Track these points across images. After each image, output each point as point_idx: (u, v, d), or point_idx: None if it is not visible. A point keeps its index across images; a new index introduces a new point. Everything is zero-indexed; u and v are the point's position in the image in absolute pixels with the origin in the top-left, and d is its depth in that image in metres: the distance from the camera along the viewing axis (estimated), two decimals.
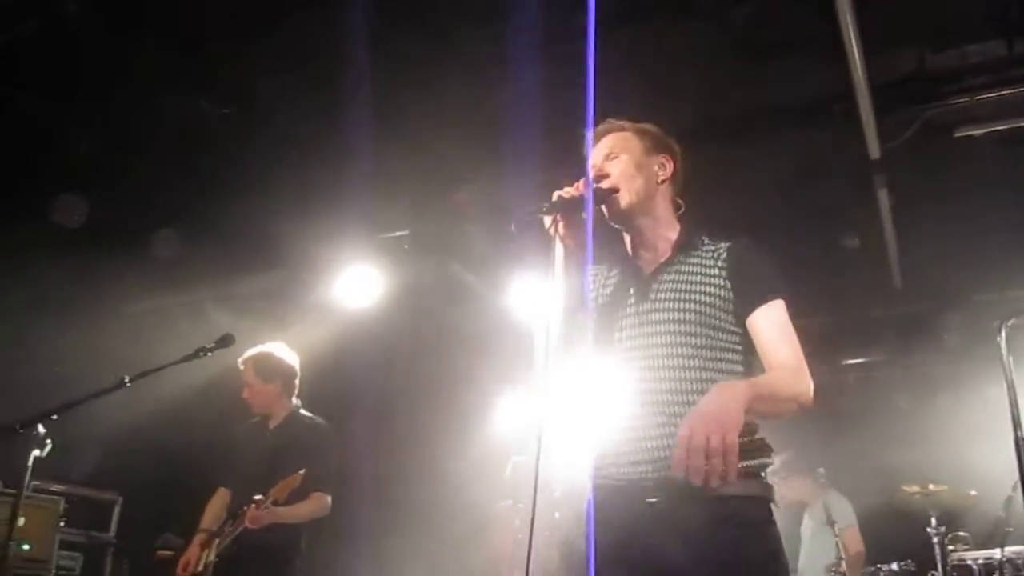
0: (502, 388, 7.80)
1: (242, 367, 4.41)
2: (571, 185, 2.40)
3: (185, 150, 5.18)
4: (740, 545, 2.17)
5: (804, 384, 2.24)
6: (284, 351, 4.53)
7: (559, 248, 2.40)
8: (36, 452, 3.14)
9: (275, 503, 4.02)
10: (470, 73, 4.43)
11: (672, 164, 2.55)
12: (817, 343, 7.33)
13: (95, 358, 4.97)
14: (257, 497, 3.98)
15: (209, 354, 3.97)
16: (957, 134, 4.65)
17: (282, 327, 6.38)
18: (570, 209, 2.34)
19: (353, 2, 3.97)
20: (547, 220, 2.36)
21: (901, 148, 4.71)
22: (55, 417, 3.15)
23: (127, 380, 3.35)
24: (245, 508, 4.05)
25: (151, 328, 5.73)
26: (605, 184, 2.43)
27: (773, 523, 2.26)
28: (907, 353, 7.35)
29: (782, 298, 2.35)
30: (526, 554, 5.77)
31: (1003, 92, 4.41)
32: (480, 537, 6.49)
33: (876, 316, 7.11)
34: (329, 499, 4.39)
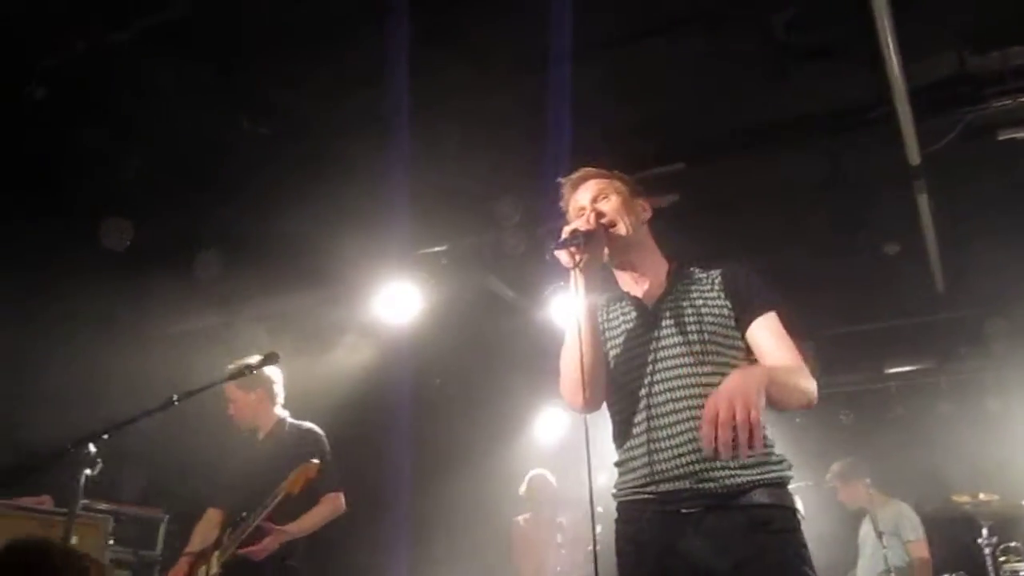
0: (541, 402, 7.81)
1: (222, 384, 4.24)
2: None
3: (226, 171, 5.25)
4: (773, 548, 2.27)
5: (812, 382, 2.37)
6: (258, 360, 4.46)
7: (579, 279, 2.48)
8: (87, 471, 3.17)
9: (288, 496, 4.01)
10: (505, 85, 4.46)
11: (648, 210, 2.71)
12: (860, 351, 7.33)
13: (141, 378, 5.04)
14: (264, 519, 3.98)
15: (255, 372, 4.01)
16: (1000, 137, 4.58)
17: (323, 344, 6.44)
18: (586, 242, 2.45)
19: (392, 22, 4.02)
20: (563, 256, 2.46)
21: (942, 152, 4.65)
22: (106, 436, 3.18)
23: (175, 399, 3.37)
24: (244, 515, 4.05)
25: (196, 348, 5.80)
26: (603, 221, 2.56)
27: (801, 531, 2.37)
28: (952, 360, 7.25)
29: (775, 309, 2.49)
30: (567, 566, 5.81)
31: None
32: (503, 548, 6.52)
33: (920, 323, 7.02)
34: (342, 497, 4.35)
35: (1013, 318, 6.58)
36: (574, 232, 2.45)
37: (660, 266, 2.66)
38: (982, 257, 5.89)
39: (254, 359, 4.30)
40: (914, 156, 4.67)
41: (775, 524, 2.30)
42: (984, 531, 4.96)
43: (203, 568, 4.19)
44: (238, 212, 5.56)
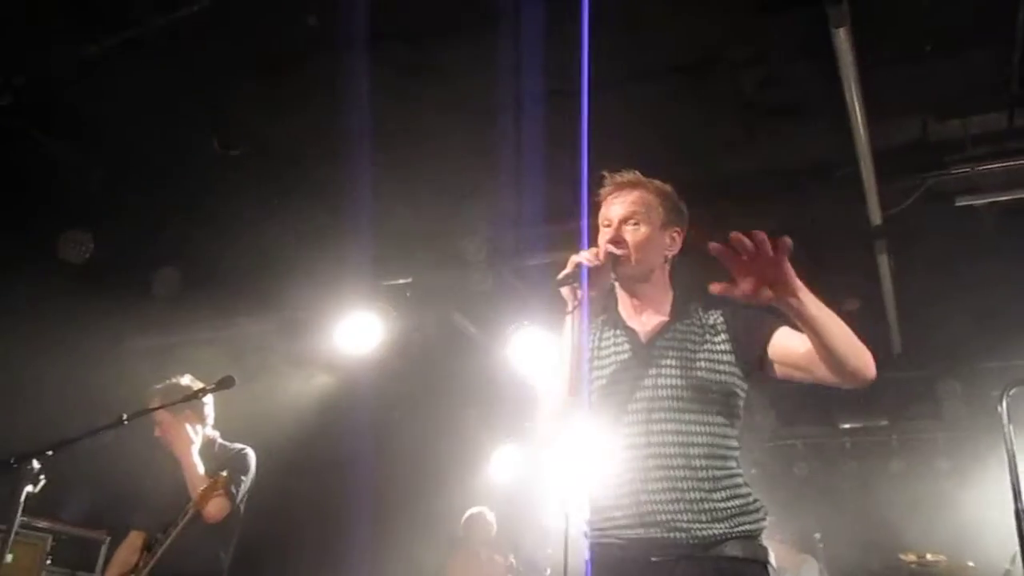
0: (497, 439, 7.79)
1: (149, 404, 4.06)
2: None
3: (191, 189, 5.22)
4: None
5: (867, 353, 2.21)
6: (189, 380, 4.26)
7: (576, 313, 2.38)
8: (29, 487, 3.10)
9: (197, 513, 3.91)
10: (475, 122, 4.49)
11: (681, 238, 2.57)
12: (817, 405, 7.40)
13: (92, 395, 4.95)
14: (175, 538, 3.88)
15: (208, 396, 3.94)
16: (958, 203, 4.69)
17: (281, 370, 6.38)
18: (593, 277, 2.34)
19: (359, 51, 4.04)
20: (567, 291, 2.35)
21: (903, 215, 4.75)
22: (51, 453, 3.11)
23: (125, 418, 3.31)
24: (159, 536, 3.95)
25: (150, 366, 5.71)
26: (618, 251, 2.43)
27: None
28: (906, 419, 7.32)
29: (782, 325, 2.37)
30: None
31: (1004, 163, 4.47)
32: None
33: (875, 381, 7.08)
34: (226, 510, 4.07)
35: (965, 380, 6.69)
36: (580, 267, 2.32)
37: (664, 299, 2.54)
38: (939, 319, 5.99)
39: (185, 379, 4.23)
40: (876, 216, 4.76)
41: None
42: None
43: None
44: (201, 232, 5.52)
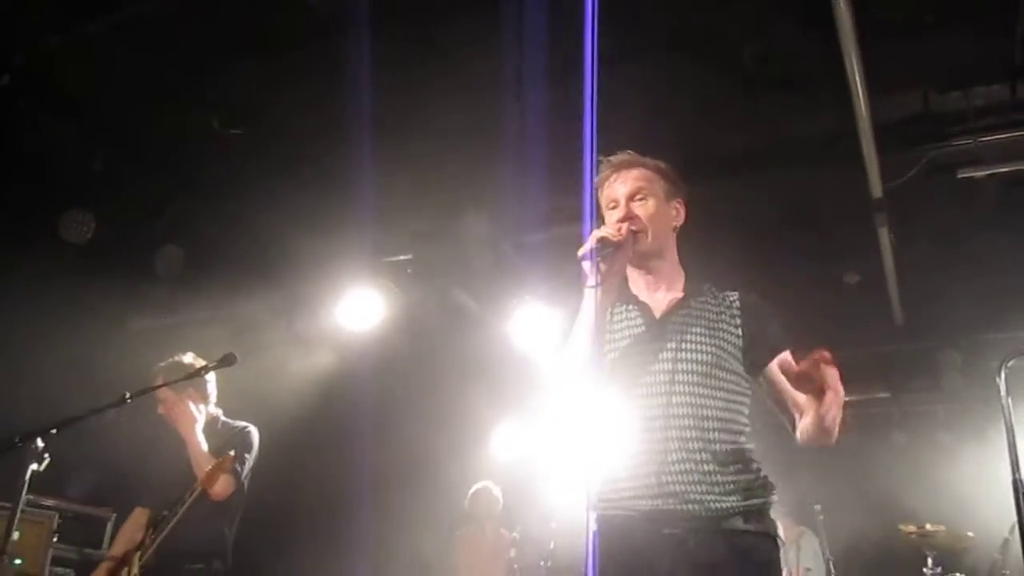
0: (498, 415, 7.81)
1: (153, 382, 4.03)
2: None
3: (192, 168, 5.21)
4: None
5: (836, 429, 2.35)
6: (192, 358, 4.25)
7: (597, 288, 2.34)
8: (34, 466, 3.11)
9: (203, 491, 3.94)
10: (474, 98, 4.47)
11: (684, 209, 2.59)
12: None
13: (95, 375, 4.97)
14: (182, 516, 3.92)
15: (210, 374, 3.96)
16: (960, 175, 4.68)
17: (283, 348, 6.40)
18: (613, 252, 2.33)
19: (360, 28, 4.02)
20: (589, 266, 2.33)
21: (903, 187, 4.74)
22: (55, 431, 3.12)
23: (128, 397, 3.32)
24: (165, 513, 3.98)
25: (153, 346, 5.73)
26: (635, 226, 2.44)
27: (779, 561, 2.36)
28: (906, 391, 7.34)
29: (790, 349, 2.46)
30: None
31: (1006, 135, 4.46)
32: (446, 560, 6.49)
33: (876, 353, 7.11)
34: (231, 487, 4.10)
35: (966, 352, 6.70)
36: (603, 241, 2.30)
37: (676, 276, 2.55)
38: (939, 291, 6.00)
39: (188, 357, 4.24)
40: (876, 189, 4.75)
41: (757, 554, 2.28)
42: (929, 560, 5.02)
43: (124, 571, 4.10)
44: (203, 210, 5.51)
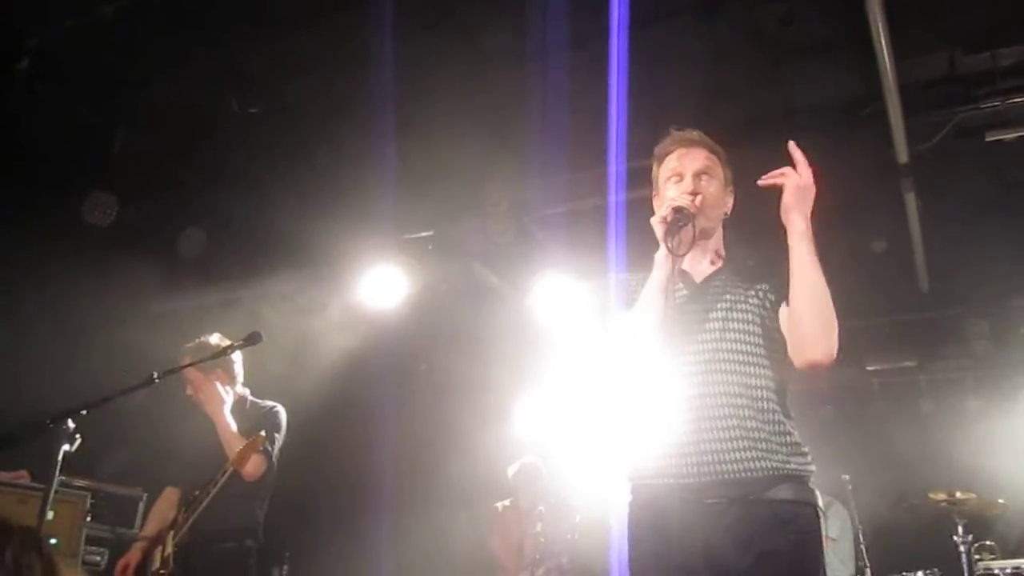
0: (522, 389, 7.82)
1: (180, 363, 4.05)
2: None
3: (213, 149, 5.21)
4: (795, 549, 2.23)
5: (834, 333, 2.30)
6: (219, 339, 4.26)
7: (667, 256, 2.38)
8: (65, 447, 3.14)
9: (236, 472, 3.97)
10: (495, 73, 4.44)
11: (732, 199, 2.62)
12: (842, 347, 7.34)
13: (122, 356, 5.01)
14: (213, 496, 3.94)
15: (236, 352, 3.97)
16: (988, 138, 4.60)
17: (307, 327, 6.42)
18: (687, 223, 2.36)
19: (380, 5, 3.99)
20: (660, 231, 2.36)
21: (930, 151, 4.67)
22: (85, 412, 3.15)
23: (156, 376, 3.34)
24: (197, 493, 4.02)
25: (179, 327, 5.76)
26: (699, 202, 2.45)
27: (820, 530, 2.34)
28: (934, 359, 7.28)
29: None
30: (545, 553, 5.81)
31: None
32: (481, 535, 6.52)
33: (902, 321, 7.05)
34: (263, 467, 4.14)
35: (995, 319, 6.62)
36: (681, 212, 2.35)
37: (719, 254, 2.60)
38: (966, 257, 5.92)
39: (214, 337, 4.26)
40: (903, 154, 4.68)
41: (799, 523, 2.26)
42: (960, 528, 4.99)
43: (159, 550, 4.15)
44: (224, 191, 5.52)
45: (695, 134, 2.58)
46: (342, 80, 4.59)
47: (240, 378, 4.46)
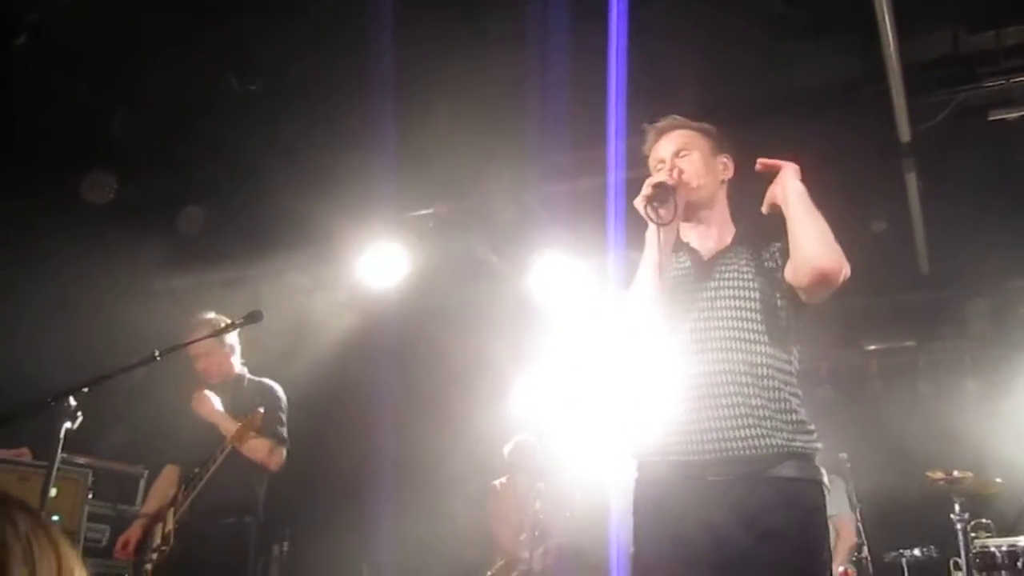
0: (522, 367, 7.83)
1: (196, 334, 3.95)
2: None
3: (212, 127, 5.19)
4: (804, 527, 2.25)
5: (837, 251, 2.35)
6: (214, 316, 4.25)
7: (658, 233, 2.44)
8: (67, 424, 3.15)
9: (235, 449, 4.01)
10: (496, 50, 4.41)
11: (731, 164, 2.67)
12: (841, 327, 7.37)
13: (124, 334, 5.01)
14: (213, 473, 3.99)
15: (237, 330, 3.98)
16: (991, 117, 4.58)
17: (307, 305, 6.42)
18: (667, 196, 2.41)
19: None
20: (641, 208, 2.42)
21: (932, 131, 4.65)
22: (86, 390, 3.15)
23: (157, 354, 3.34)
24: (197, 471, 4.05)
25: (179, 305, 5.77)
26: (677, 175, 2.51)
27: (826, 508, 2.34)
28: (933, 339, 7.29)
29: None
30: (544, 530, 5.84)
31: None
32: (479, 513, 6.54)
33: (902, 301, 7.05)
34: (282, 453, 4.27)
35: (994, 299, 6.62)
36: (661, 186, 2.40)
37: (727, 227, 2.63)
38: (967, 238, 5.91)
39: (210, 315, 4.26)
40: (905, 133, 4.66)
41: (804, 500, 2.27)
42: (957, 507, 5.01)
43: (159, 527, 4.18)
44: (223, 169, 5.50)
45: (668, 120, 2.66)
46: (342, 58, 4.56)
47: (238, 356, 4.48)
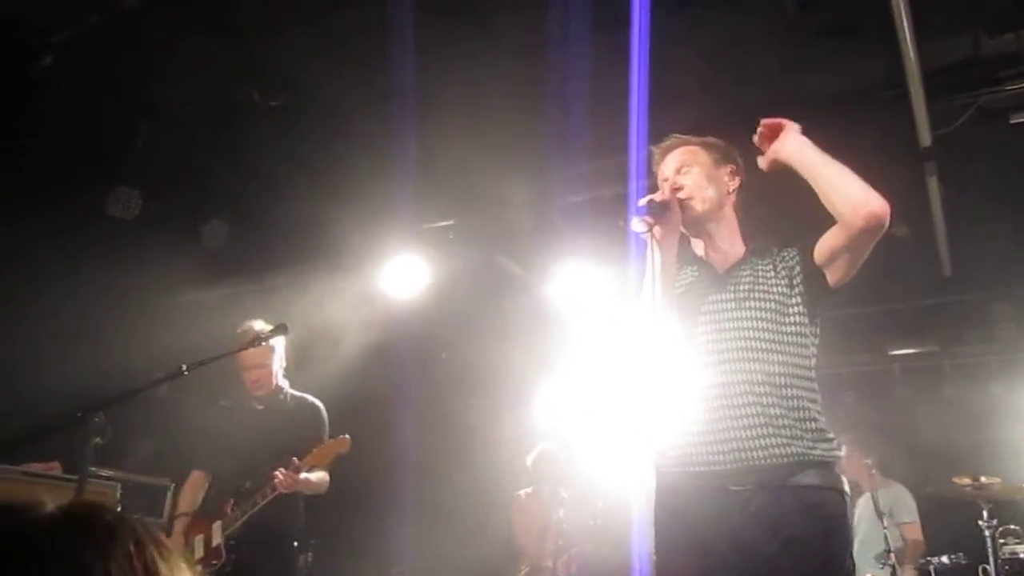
0: (541, 378, 7.84)
1: (256, 347, 4.03)
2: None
3: (235, 142, 5.24)
4: (825, 535, 2.26)
5: (870, 190, 2.37)
6: (263, 325, 4.25)
7: (655, 248, 2.47)
8: (97, 439, 3.19)
9: (310, 469, 4.05)
10: (515, 61, 4.43)
11: (739, 175, 2.70)
12: (865, 333, 7.33)
13: (148, 348, 5.06)
14: (295, 460, 4.02)
15: (265, 343, 4.03)
16: (1012, 120, 4.55)
17: (329, 317, 6.46)
18: (661, 212, 2.47)
19: None
20: (639, 225, 2.47)
21: (953, 135, 4.62)
22: (116, 404, 3.19)
23: (185, 368, 3.38)
24: (248, 485, 4.07)
25: (203, 318, 5.82)
26: (680, 195, 2.57)
27: (848, 516, 2.36)
28: (957, 344, 7.24)
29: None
30: (568, 539, 5.84)
31: None
32: (504, 522, 6.54)
33: (925, 306, 7.00)
34: (328, 478, 4.36)
35: (1018, 303, 6.57)
36: (649, 203, 2.45)
37: (737, 240, 2.66)
38: (989, 241, 5.87)
39: (258, 324, 4.30)
40: (925, 138, 4.64)
41: (826, 508, 2.28)
42: (984, 513, 4.96)
43: (200, 537, 4.20)
44: (246, 183, 5.55)
45: (670, 140, 2.72)
46: (362, 71, 4.60)
47: (281, 368, 4.52)
